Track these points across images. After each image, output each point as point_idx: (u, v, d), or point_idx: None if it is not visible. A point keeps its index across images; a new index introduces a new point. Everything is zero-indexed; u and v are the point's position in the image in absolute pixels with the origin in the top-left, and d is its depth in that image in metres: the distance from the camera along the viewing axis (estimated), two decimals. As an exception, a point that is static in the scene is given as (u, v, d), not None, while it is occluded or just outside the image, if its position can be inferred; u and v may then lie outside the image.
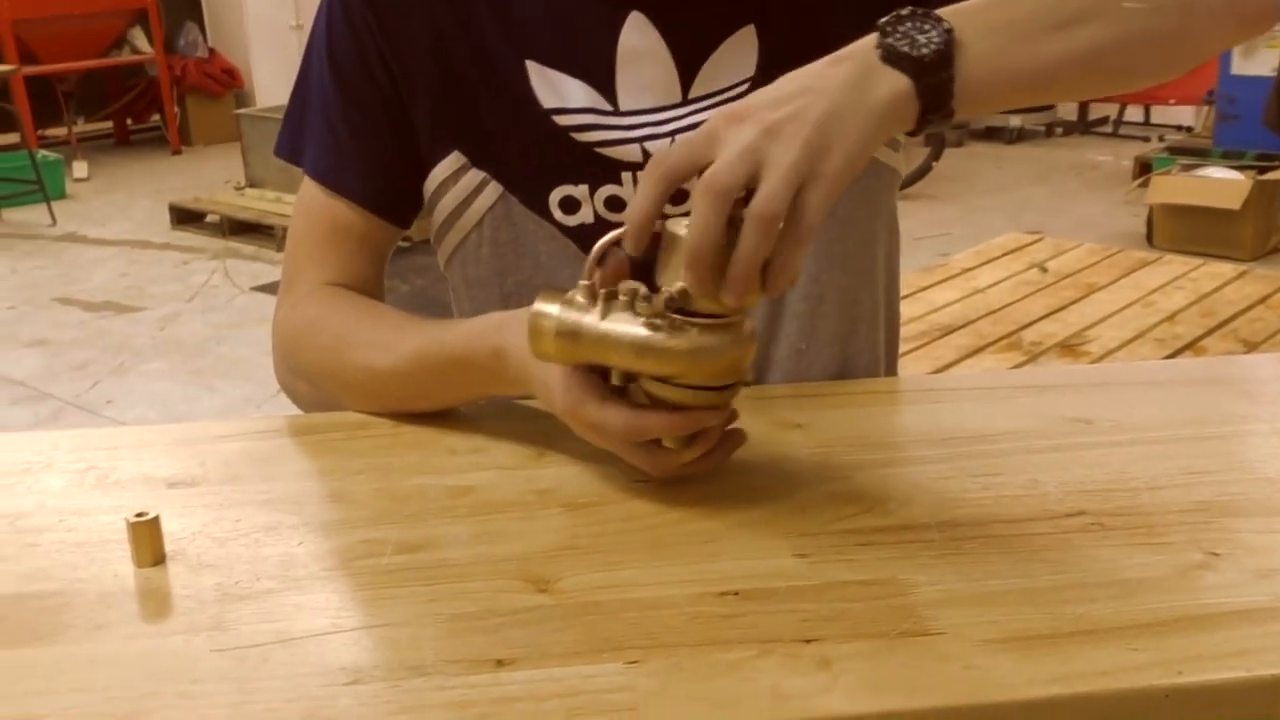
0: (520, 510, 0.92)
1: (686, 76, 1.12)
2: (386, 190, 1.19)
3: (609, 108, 1.12)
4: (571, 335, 0.88)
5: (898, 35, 0.84)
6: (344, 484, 0.98)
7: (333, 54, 1.17)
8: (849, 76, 0.83)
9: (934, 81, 0.83)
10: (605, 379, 0.91)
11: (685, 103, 1.12)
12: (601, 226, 1.12)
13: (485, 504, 0.93)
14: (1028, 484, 0.93)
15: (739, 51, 1.12)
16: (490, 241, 1.17)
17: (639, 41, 1.11)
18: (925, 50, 0.83)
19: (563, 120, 1.12)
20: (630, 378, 0.89)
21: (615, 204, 1.13)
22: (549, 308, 0.89)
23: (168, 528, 0.87)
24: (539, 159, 1.14)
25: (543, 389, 0.95)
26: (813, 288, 1.16)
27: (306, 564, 0.85)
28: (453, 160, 1.16)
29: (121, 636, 0.77)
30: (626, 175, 1.12)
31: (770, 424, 1.05)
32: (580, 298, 0.88)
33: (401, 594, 0.81)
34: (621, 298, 0.87)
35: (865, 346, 1.22)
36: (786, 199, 0.79)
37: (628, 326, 0.86)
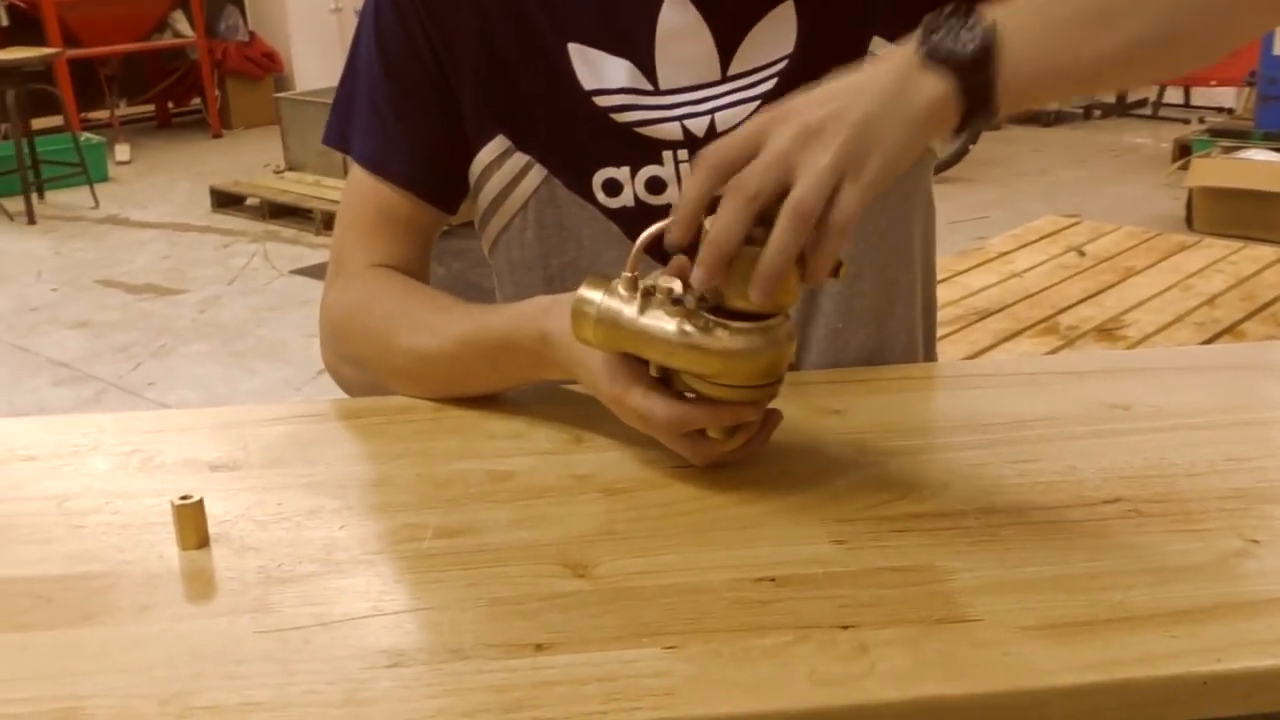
0: (559, 495, 0.93)
1: (725, 53, 1.12)
2: (433, 174, 1.19)
3: (649, 87, 1.13)
4: (611, 325, 0.89)
5: (940, 35, 0.84)
6: (385, 468, 0.99)
7: (380, 38, 1.18)
8: (891, 80, 0.83)
9: (976, 82, 0.83)
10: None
11: (725, 79, 1.12)
12: (641, 209, 1.13)
13: (525, 489, 0.94)
14: (1065, 470, 0.93)
15: (778, 28, 1.12)
16: (535, 225, 1.18)
17: (678, 19, 1.12)
18: (967, 50, 0.83)
19: (603, 101, 1.13)
20: (670, 370, 0.90)
21: (656, 185, 1.13)
22: (593, 294, 0.90)
23: (211, 510, 0.88)
24: (581, 141, 1.14)
25: (588, 374, 0.96)
26: (849, 266, 1.16)
27: (348, 547, 0.86)
28: (497, 144, 1.16)
29: (167, 618, 0.78)
30: (667, 155, 1.13)
31: (808, 409, 1.05)
32: (622, 289, 0.89)
33: (442, 578, 0.82)
34: (659, 295, 0.88)
35: (902, 327, 1.23)
36: (821, 198, 0.80)
37: (663, 324, 0.87)
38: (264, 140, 8.25)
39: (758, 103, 1.11)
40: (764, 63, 1.12)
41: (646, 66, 1.13)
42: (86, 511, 0.92)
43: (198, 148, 8.79)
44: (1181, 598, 0.77)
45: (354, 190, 1.22)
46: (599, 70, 1.13)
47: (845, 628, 0.74)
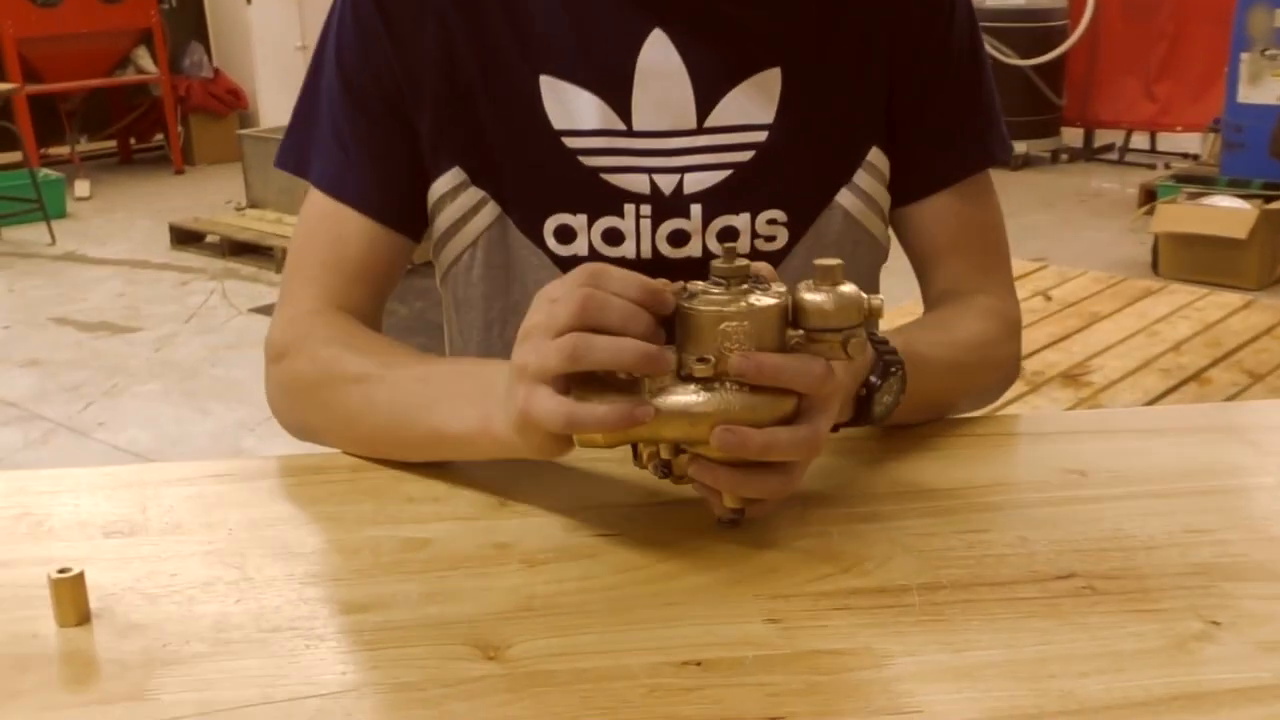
0: (477, 565, 0.86)
1: (704, 105, 1.09)
2: (393, 200, 1.13)
3: (622, 127, 1.08)
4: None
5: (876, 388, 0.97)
6: (293, 534, 0.92)
7: (341, 61, 1.12)
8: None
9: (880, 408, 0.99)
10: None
11: (699, 131, 1.09)
12: (596, 259, 1.07)
13: (440, 558, 0.87)
14: (1015, 542, 0.88)
15: (761, 93, 1.09)
16: (483, 263, 1.13)
17: (659, 60, 1.08)
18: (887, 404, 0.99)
19: (572, 143, 1.08)
20: (677, 451, 0.84)
21: (613, 236, 1.09)
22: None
23: (99, 581, 0.82)
24: (540, 182, 1.10)
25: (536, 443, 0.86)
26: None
27: (241, 625, 0.79)
28: (453, 175, 1.11)
29: (34, 706, 0.71)
30: (629, 208, 1.08)
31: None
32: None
33: (341, 660, 0.75)
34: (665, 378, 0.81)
35: None
36: None
37: (684, 397, 0.81)
38: (227, 177, 8.16)
39: (729, 171, 1.08)
40: (741, 123, 1.09)
41: (621, 105, 1.08)
42: (-38, 583, 0.85)
43: (159, 184, 8.70)
44: (1136, 687, 0.71)
45: (309, 216, 1.15)
46: (570, 107, 1.08)
47: (773, 719, 0.68)
